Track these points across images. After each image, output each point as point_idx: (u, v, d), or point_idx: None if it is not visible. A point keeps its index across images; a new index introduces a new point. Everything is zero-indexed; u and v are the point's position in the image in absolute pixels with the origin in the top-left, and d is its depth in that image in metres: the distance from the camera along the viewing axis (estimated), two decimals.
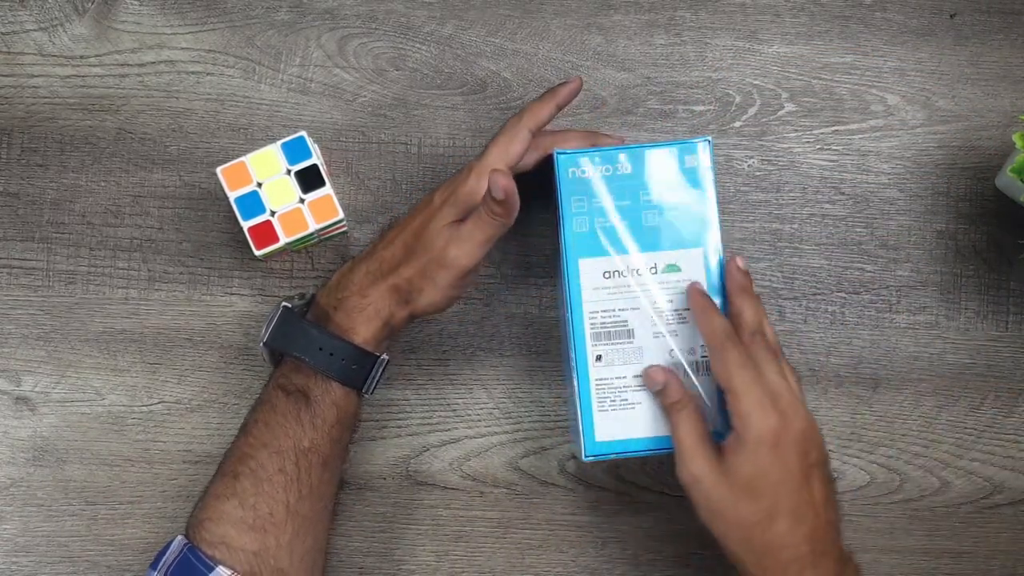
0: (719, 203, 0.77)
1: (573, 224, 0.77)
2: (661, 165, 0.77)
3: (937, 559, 0.86)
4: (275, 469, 0.74)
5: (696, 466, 0.71)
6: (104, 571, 0.85)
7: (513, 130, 0.77)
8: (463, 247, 0.75)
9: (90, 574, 0.85)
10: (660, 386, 0.74)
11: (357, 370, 0.76)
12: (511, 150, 0.77)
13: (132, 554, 0.85)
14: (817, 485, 0.70)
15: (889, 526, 0.86)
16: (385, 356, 0.77)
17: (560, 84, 0.79)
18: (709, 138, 0.77)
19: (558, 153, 0.77)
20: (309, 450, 0.75)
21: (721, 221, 0.77)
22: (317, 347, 0.75)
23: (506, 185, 0.71)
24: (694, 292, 0.75)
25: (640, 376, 0.76)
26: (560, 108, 0.79)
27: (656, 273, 0.76)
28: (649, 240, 0.77)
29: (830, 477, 0.72)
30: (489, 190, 0.71)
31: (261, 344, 0.77)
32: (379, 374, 0.77)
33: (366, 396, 0.78)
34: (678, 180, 0.77)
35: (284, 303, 0.77)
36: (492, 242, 0.75)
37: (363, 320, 0.76)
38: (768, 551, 0.70)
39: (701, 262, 0.77)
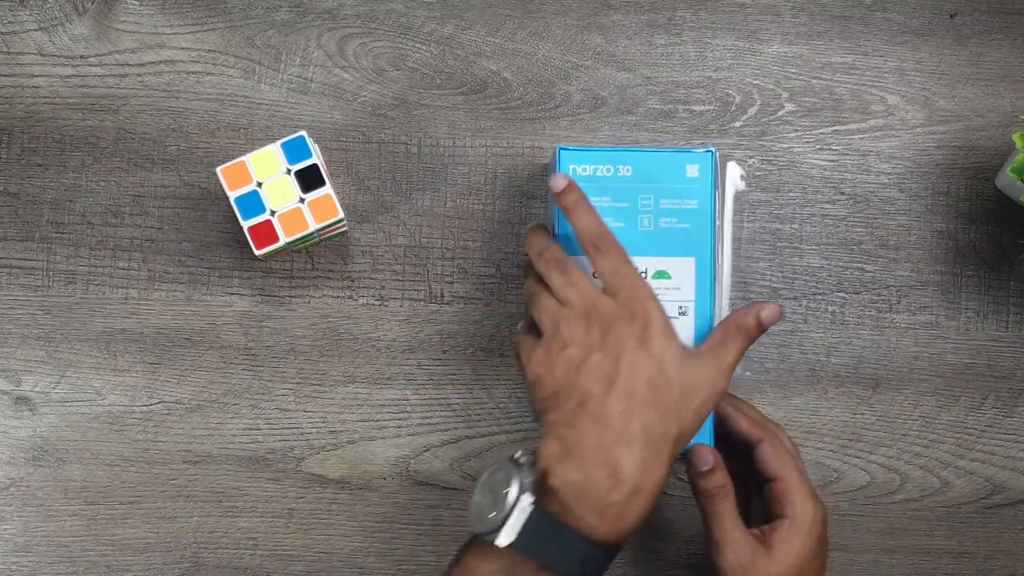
0: (718, 214, 0.77)
1: (568, 222, 0.77)
2: (662, 171, 0.77)
3: (937, 559, 0.86)
4: None
5: (744, 553, 0.73)
6: (104, 571, 0.85)
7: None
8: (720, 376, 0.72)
9: (90, 574, 0.85)
10: (709, 466, 0.74)
11: (604, 563, 0.69)
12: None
13: (132, 554, 0.85)
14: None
15: (889, 526, 0.86)
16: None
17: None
18: (713, 149, 0.77)
19: (560, 149, 0.77)
20: None
21: (722, 232, 0.77)
22: (583, 558, 0.67)
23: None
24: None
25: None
26: None
27: (646, 278, 0.76)
28: (642, 244, 0.76)
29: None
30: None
31: (505, 544, 0.66)
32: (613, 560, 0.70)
33: None
34: (677, 188, 0.77)
35: (527, 497, 0.67)
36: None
37: (637, 516, 0.69)
38: None
39: (692, 272, 0.77)
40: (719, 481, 0.74)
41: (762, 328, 0.73)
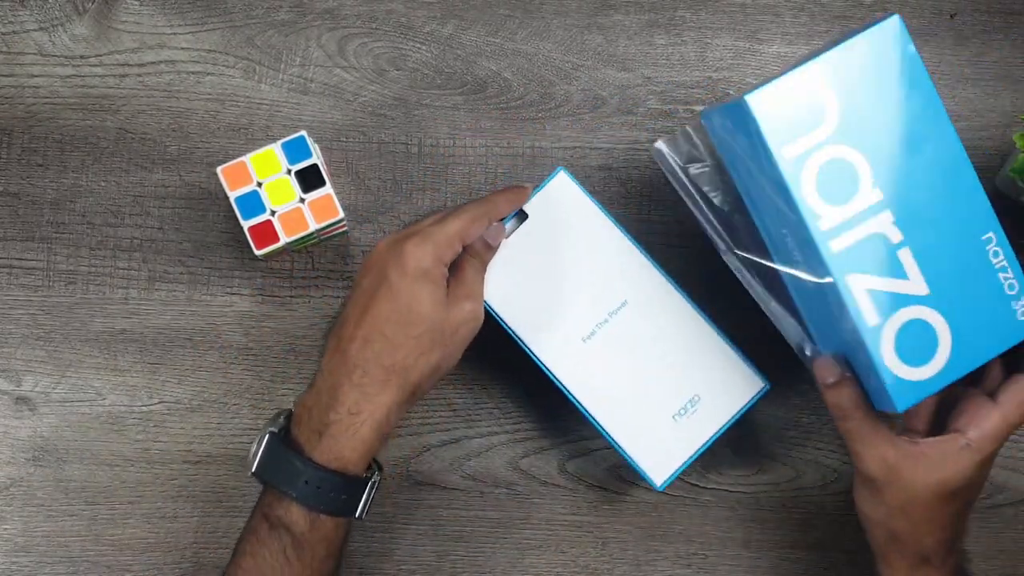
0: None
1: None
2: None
3: None
4: None
5: (889, 455, 0.69)
6: (104, 571, 0.85)
7: (479, 211, 0.76)
8: (475, 305, 0.75)
9: (90, 574, 0.85)
10: (835, 379, 0.70)
11: (347, 500, 0.71)
12: (471, 231, 0.75)
13: (132, 554, 0.85)
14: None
15: None
16: (377, 476, 0.74)
17: (523, 188, 0.78)
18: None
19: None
20: None
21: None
22: (303, 480, 0.70)
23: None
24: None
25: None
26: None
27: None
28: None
29: None
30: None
31: (250, 473, 0.73)
32: (371, 496, 0.73)
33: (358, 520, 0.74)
34: None
35: (271, 428, 0.73)
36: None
37: (356, 441, 0.71)
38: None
39: None
40: (847, 394, 0.70)
41: (488, 247, 0.77)
